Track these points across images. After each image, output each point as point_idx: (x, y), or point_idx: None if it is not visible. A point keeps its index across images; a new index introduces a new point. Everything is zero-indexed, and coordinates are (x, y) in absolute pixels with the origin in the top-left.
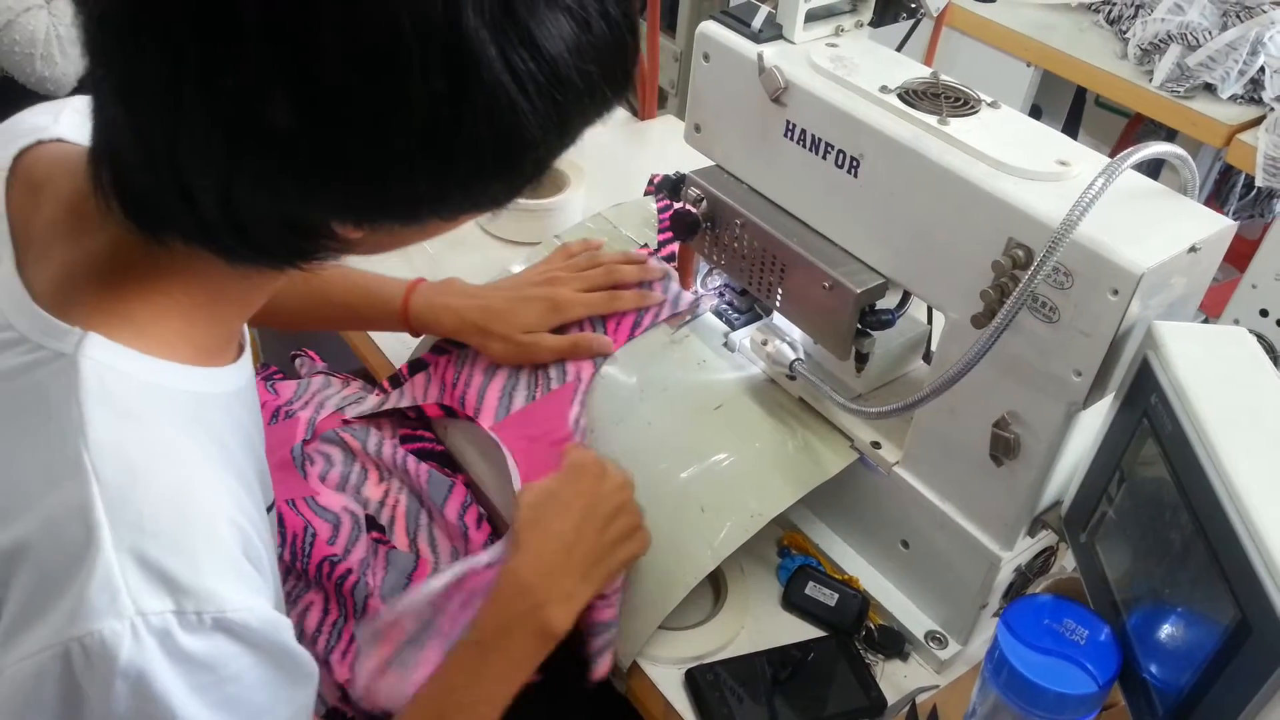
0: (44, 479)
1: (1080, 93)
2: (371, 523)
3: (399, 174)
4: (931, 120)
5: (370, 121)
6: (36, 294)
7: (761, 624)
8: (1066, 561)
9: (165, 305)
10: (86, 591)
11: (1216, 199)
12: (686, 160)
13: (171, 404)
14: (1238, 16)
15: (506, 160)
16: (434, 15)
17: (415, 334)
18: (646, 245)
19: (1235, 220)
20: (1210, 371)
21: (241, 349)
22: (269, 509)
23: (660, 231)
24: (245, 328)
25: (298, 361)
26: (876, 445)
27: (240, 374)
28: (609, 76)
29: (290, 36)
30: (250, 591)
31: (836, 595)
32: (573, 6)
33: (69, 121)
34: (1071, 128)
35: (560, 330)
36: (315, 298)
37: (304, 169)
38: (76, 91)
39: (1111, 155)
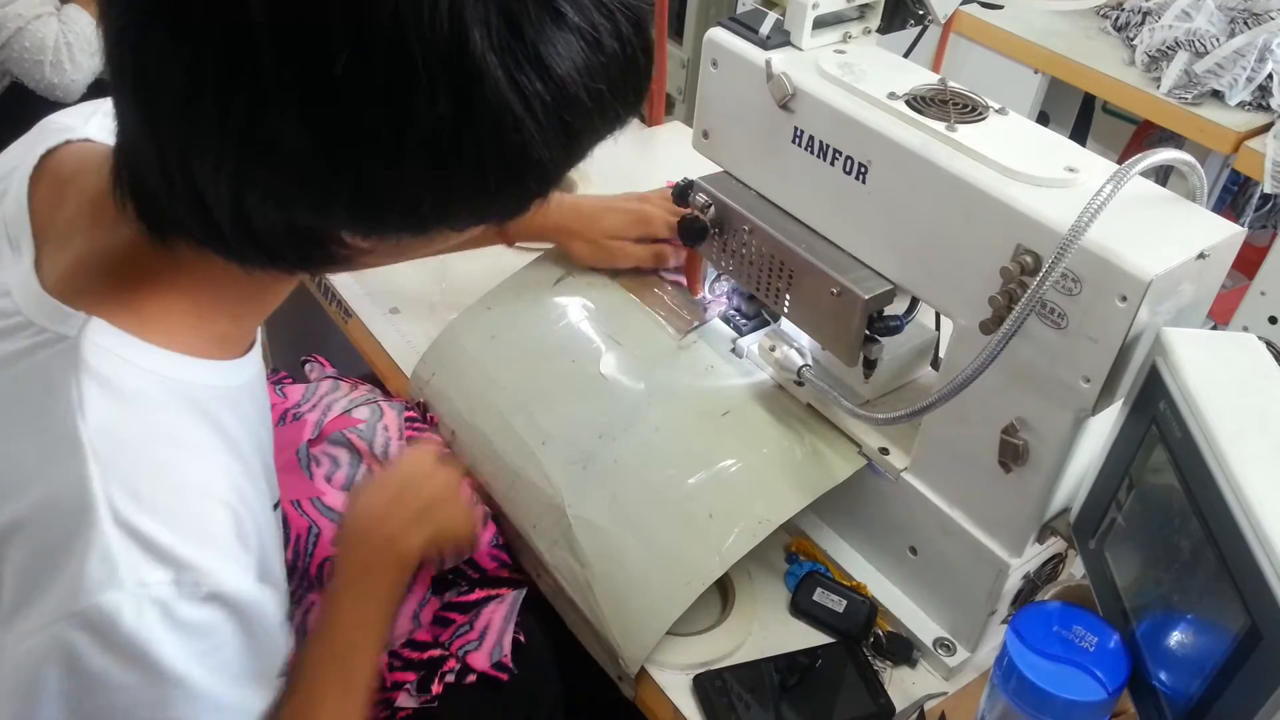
0: (42, 457)
1: (1088, 99)
2: None
3: (405, 191)
4: (940, 127)
5: (375, 138)
6: (48, 283)
7: (769, 630)
8: (1075, 568)
9: (174, 300)
10: (86, 565)
11: (1233, 209)
12: (694, 166)
13: (173, 391)
14: (1245, 24)
15: (512, 177)
16: (441, 37)
17: (509, 244)
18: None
19: (1251, 230)
20: (1219, 378)
21: (252, 344)
22: (274, 507)
23: None
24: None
25: (307, 366)
26: (885, 451)
27: (247, 368)
28: (620, 95)
29: (302, 56)
30: (241, 569)
31: (844, 602)
32: (583, 26)
33: (99, 124)
34: (1079, 134)
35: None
36: None
37: (313, 184)
38: (89, 96)
39: (1119, 162)
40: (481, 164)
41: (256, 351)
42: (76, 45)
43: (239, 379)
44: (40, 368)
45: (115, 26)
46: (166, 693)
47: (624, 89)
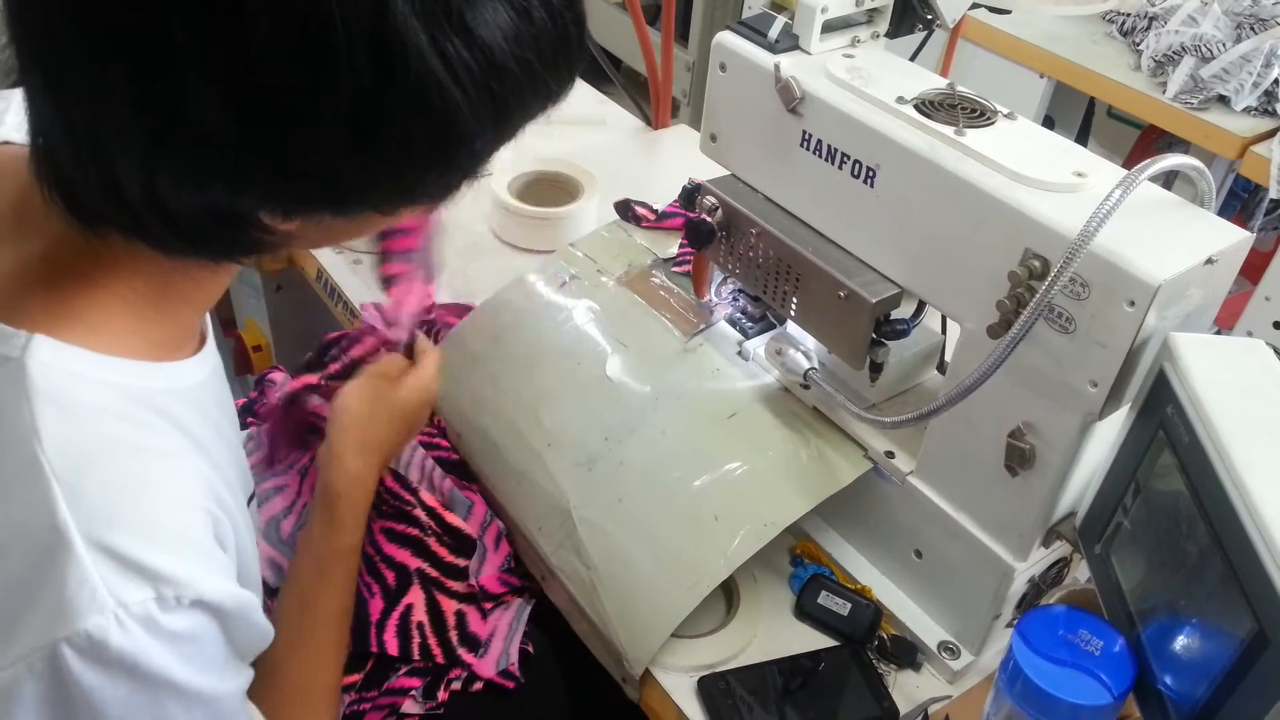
0: (2, 485)
1: (1090, 104)
2: None
3: (323, 162)
4: (948, 131)
5: (293, 109)
6: None
7: (774, 633)
8: (1080, 573)
9: (112, 302)
10: (65, 591)
11: (1243, 214)
12: (699, 169)
13: (128, 399)
14: (1251, 29)
15: (439, 151)
16: (362, 1)
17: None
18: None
19: (1261, 234)
20: (1227, 383)
21: (203, 340)
22: (249, 500)
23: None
24: (207, 320)
25: None
26: (890, 455)
27: (201, 367)
28: (550, 66)
29: (215, 20)
30: (222, 575)
31: (849, 605)
32: None
33: (13, 121)
34: (1081, 139)
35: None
36: None
37: (226, 157)
38: None
39: (1125, 167)
40: (407, 135)
41: (210, 347)
42: None
43: (195, 378)
44: None
45: (20, 6)
46: (157, 695)
47: (555, 61)
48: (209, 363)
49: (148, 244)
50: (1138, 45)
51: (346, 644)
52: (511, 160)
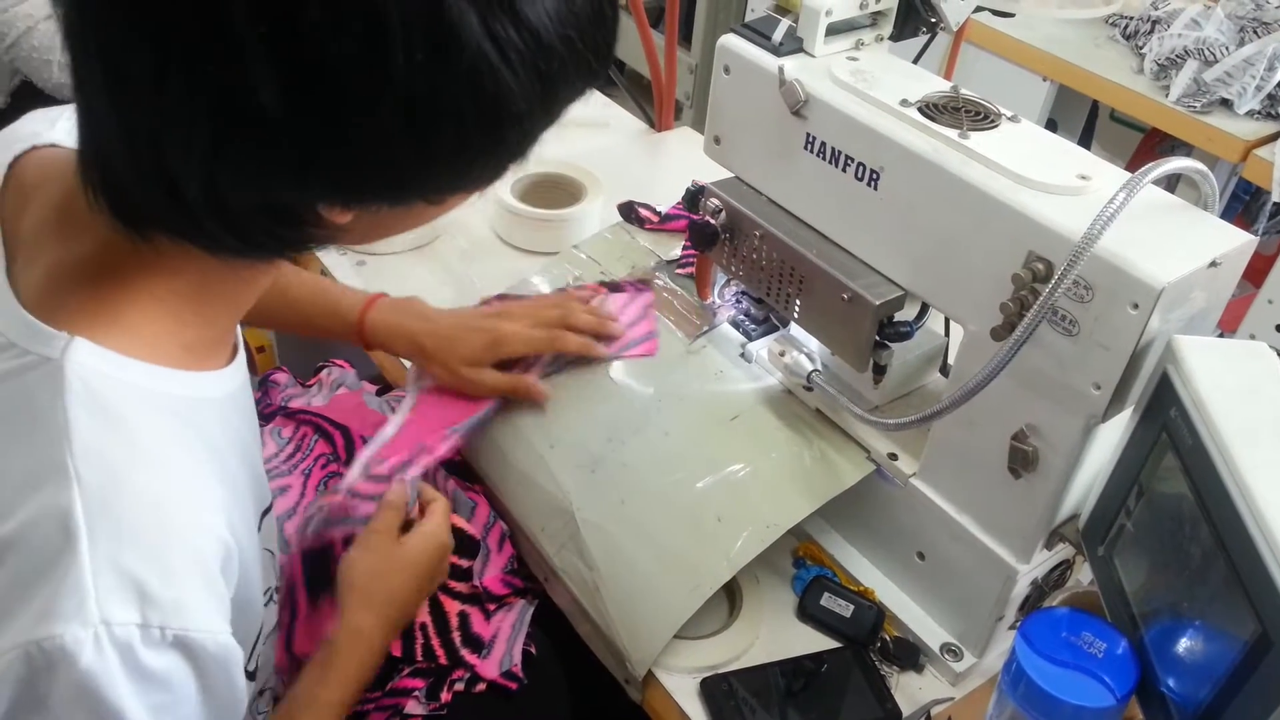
0: (27, 482)
1: (1094, 107)
2: None
3: (384, 149)
4: (952, 134)
5: (353, 96)
6: (24, 299)
7: (776, 634)
8: (1083, 575)
9: (153, 307)
10: (57, 594)
11: (1245, 217)
12: (703, 171)
13: (160, 409)
14: (1255, 32)
15: (491, 132)
16: None
17: (368, 349)
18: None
19: (1264, 237)
20: (1230, 385)
21: (235, 352)
22: (265, 512)
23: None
24: (239, 331)
25: (324, 371)
26: (893, 457)
27: (234, 378)
28: (591, 44)
29: (273, 15)
30: (217, 614)
31: (852, 606)
32: None
33: (65, 127)
34: (1085, 143)
35: (505, 366)
36: (275, 295)
37: (288, 149)
38: None
39: (1128, 170)
40: (461, 118)
41: (240, 361)
42: None
43: (224, 390)
44: (24, 391)
45: (76, 10)
46: None
47: (595, 39)
48: (239, 376)
49: (198, 244)
50: (1141, 49)
51: None
52: None
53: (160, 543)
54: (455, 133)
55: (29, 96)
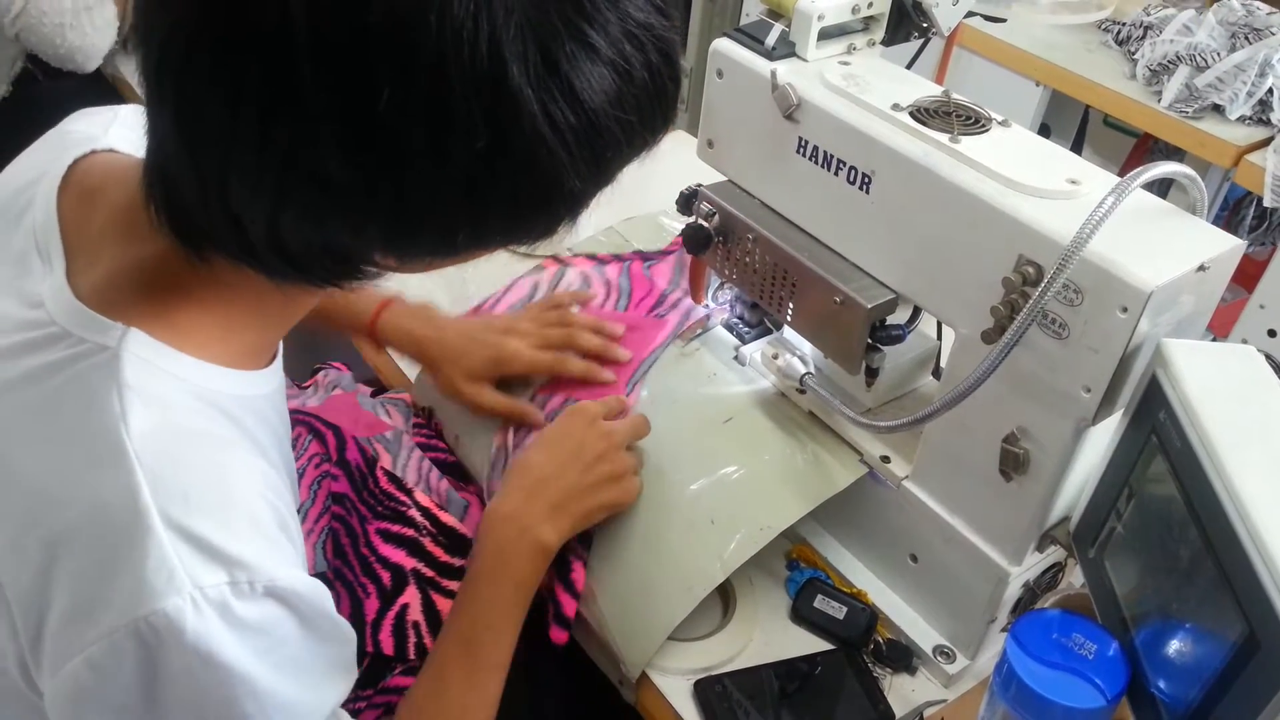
0: (87, 467)
1: (1086, 112)
2: None
3: (440, 218)
4: (943, 138)
5: (416, 170)
6: (82, 294)
7: (770, 636)
8: (1074, 577)
9: (205, 313)
10: (144, 572)
11: (1228, 229)
12: (695, 175)
13: (205, 400)
14: (1246, 38)
15: (545, 205)
16: (480, 71)
17: (379, 348)
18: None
19: (1251, 244)
20: (1219, 388)
21: (274, 355)
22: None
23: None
24: None
25: (321, 373)
26: (886, 459)
27: (273, 378)
28: (648, 124)
29: (344, 86)
30: (291, 563)
31: (845, 608)
32: (615, 59)
33: (118, 134)
34: (1076, 148)
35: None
36: None
37: (350, 209)
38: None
39: (1120, 175)
40: (515, 193)
41: (279, 363)
42: (96, 8)
43: (264, 389)
44: (80, 378)
45: (156, 49)
46: (233, 691)
47: (653, 117)
48: (277, 377)
49: (255, 270)
50: (1133, 54)
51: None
52: None
53: (225, 508)
54: (510, 205)
55: (31, 84)
